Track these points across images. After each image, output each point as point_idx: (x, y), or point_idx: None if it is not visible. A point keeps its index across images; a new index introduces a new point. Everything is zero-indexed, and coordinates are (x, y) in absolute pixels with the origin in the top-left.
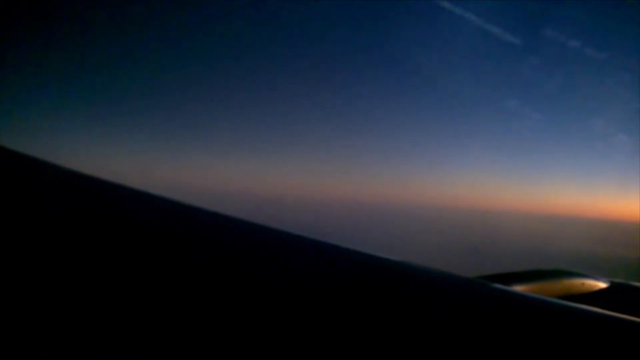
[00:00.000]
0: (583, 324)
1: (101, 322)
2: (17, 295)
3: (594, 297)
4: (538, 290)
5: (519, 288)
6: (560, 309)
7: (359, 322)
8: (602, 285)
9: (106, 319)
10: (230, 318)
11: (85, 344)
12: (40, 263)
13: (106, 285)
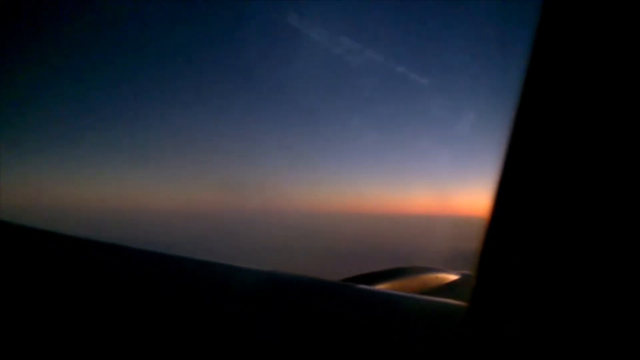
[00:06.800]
0: (433, 312)
1: None
2: None
3: (446, 288)
4: (399, 287)
5: (381, 287)
6: (415, 302)
7: (217, 334)
8: (453, 277)
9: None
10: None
11: None
12: None
13: None
